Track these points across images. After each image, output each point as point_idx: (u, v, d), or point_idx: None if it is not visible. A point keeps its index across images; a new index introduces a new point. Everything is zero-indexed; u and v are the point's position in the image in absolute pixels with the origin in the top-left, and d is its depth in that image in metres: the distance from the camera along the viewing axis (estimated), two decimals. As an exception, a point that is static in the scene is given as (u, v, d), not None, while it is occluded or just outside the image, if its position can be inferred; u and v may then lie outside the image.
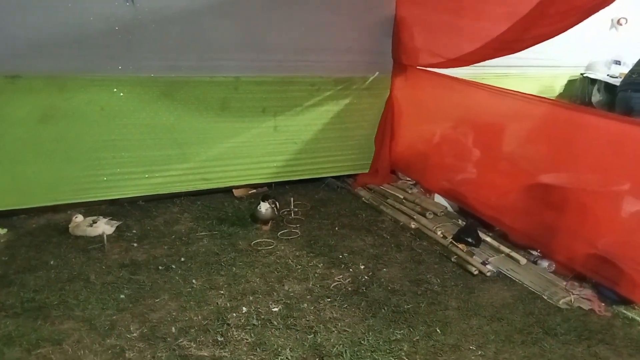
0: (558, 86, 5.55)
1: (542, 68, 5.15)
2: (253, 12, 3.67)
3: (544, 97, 3.59)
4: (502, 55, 3.60)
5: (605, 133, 2.96)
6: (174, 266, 3.04)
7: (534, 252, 3.38)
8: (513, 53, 3.46)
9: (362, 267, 3.18)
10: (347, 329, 2.55)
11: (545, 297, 2.94)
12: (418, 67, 4.17)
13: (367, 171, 4.58)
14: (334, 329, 2.54)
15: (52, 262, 2.99)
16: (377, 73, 4.33)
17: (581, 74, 5.60)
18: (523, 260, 3.28)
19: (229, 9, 3.59)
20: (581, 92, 5.62)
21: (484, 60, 3.67)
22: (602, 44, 5.48)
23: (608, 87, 5.38)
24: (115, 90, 3.42)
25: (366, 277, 3.06)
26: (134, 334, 2.42)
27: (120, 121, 3.50)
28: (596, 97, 5.51)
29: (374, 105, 4.43)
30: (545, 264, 3.27)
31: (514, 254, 3.34)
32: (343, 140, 4.39)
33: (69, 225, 3.32)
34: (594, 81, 5.55)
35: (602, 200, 3.01)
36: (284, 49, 3.85)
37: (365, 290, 2.92)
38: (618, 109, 4.65)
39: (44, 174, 3.37)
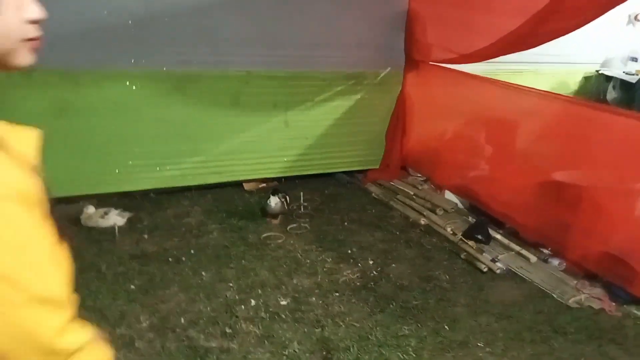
0: (572, 83, 5.47)
1: (557, 64, 5.08)
2: (265, 6, 3.67)
3: (558, 94, 3.56)
4: (516, 51, 3.56)
5: (621, 131, 2.92)
6: (183, 258, 3.06)
7: (545, 250, 3.35)
8: (527, 49, 3.43)
9: (371, 262, 3.17)
10: (355, 324, 2.55)
11: (555, 296, 2.91)
12: (430, 63, 4.15)
13: (377, 167, 4.56)
14: (341, 324, 2.55)
15: (64, 253, 3.03)
16: (389, 68, 4.31)
17: (596, 70, 5.51)
18: (533, 258, 3.25)
19: (241, 3, 3.59)
20: (596, 89, 5.53)
21: (498, 56, 3.64)
22: (619, 40, 5.39)
23: (624, 85, 5.30)
24: (128, 83, 3.45)
25: (375, 273, 3.06)
26: (144, 324, 2.45)
27: (133, 114, 3.52)
28: (611, 94, 5.42)
29: (385, 100, 4.41)
30: (555, 262, 3.24)
31: (524, 251, 3.31)
32: (354, 136, 4.38)
33: (81, 217, 3.36)
34: (609, 78, 5.45)
35: (616, 198, 2.97)
36: (296, 43, 3.85)
37: (373, 285, 2.92)
38: (637, 107, 4.57)
39: (57, 166, 3.39)
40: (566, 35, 3.03)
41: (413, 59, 4.24)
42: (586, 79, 5.51)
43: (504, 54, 3.60)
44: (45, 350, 0.69)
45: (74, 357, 0.71)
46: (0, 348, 0.66)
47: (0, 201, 0.64)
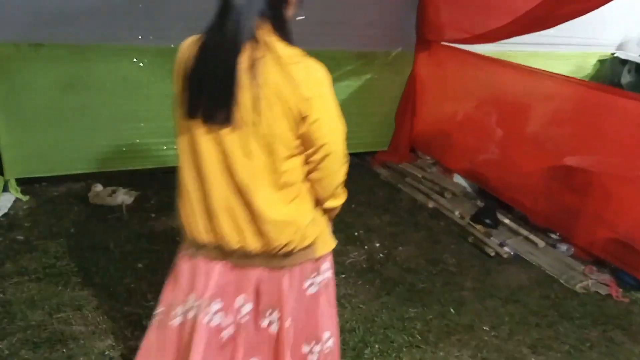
0: (587, 66, 5.36)
1: (572, 47, 4.97)
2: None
3: (572, 77, 3.49)
4: (531, 32, 3.49)
5: (634, 116, 2.87)
6: (191, 237, 3.06)
7: (553, 235, 3.33)
8: (542, 30, 3.35)
9: (378, 244, 3.17)
10: (361, 306, 2.56)
11: (562, 281, 2.91)
12: (442, 43, 4.07)
13: (386, 149, 4.54)
14: (348, 305, 2.55)
15: (72, 230, 3.05)
16: (400, 48, 4.23)
17: (612, 53, 5.40)
18: (541, 243, 3.24)
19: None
20: (611, 72, 5.43)
21: (512, 37, 3.56)
22: (636, 22, 5.26)
23: (639, 68, 5.20)
24: (135, 60, 3.42)
25: (382, 255, 3.05)
26: (151, 302, 2.46)
27: (141, 91, 3.50)
28: (626, 78, 5.32)
29: (395, 81, 4.35)
30: (564, 247, 3.23)
31: (532, 236, 3.29)
32: (363, 117, 4.33)
33: (89, 194, 3.37)
34: (624, 61, 5.35)
35: (626, 184, 2.93)
36: (305, 20, 3.77)
37: (380, 267, 2.92)
38: None
39: (65, 142, 3.41)
40: (582, 17, 2.96)
41: (425, 38, 4.16)
42: (601, 62, 5.40)
43: (519, 35, 3.52)
44: (342, 152, 1.47)
45: (344, 165, 1.52)
46: (325, 138, 1.41)
47: (329, 86, 1.40)
